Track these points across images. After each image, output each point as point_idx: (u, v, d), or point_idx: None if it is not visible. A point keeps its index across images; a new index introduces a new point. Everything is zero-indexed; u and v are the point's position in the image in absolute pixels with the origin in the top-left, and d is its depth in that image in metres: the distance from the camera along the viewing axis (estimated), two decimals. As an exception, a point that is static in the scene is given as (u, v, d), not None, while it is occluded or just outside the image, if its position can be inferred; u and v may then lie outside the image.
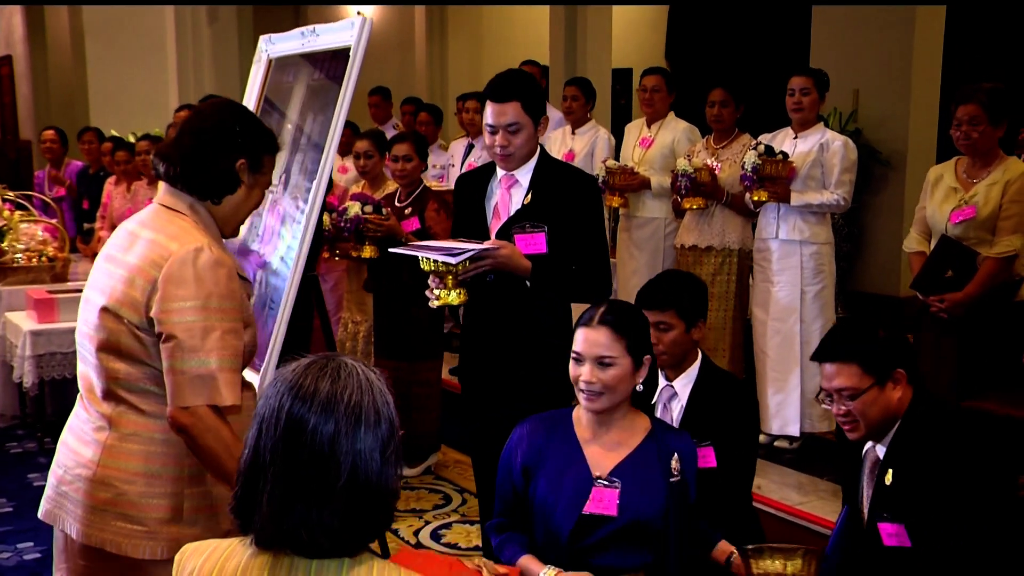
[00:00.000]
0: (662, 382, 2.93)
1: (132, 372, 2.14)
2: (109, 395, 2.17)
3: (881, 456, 2.40)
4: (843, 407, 2.35)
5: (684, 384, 2.87)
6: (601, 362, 2.31)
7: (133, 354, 2.13)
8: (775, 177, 4.38)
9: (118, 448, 2.16)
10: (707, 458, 2.67)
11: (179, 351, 2.07)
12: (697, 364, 2.89)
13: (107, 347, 2.14)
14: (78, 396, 2.32)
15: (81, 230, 7.17)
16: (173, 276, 2.08)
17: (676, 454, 2.40)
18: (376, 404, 1.39)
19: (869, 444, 2.45)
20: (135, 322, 2.11)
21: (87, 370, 2.23)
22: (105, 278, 2.19)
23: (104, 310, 2.14)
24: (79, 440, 2.23)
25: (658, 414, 2.90)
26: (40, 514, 2.31)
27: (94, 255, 6.60)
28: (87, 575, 2.23)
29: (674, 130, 5.24)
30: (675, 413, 2.87)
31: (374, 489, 1.38)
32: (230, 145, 2.22)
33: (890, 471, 2.34)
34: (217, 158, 2.21)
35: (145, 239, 2.17)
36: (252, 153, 2.25)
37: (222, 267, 2.13)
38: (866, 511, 2.42)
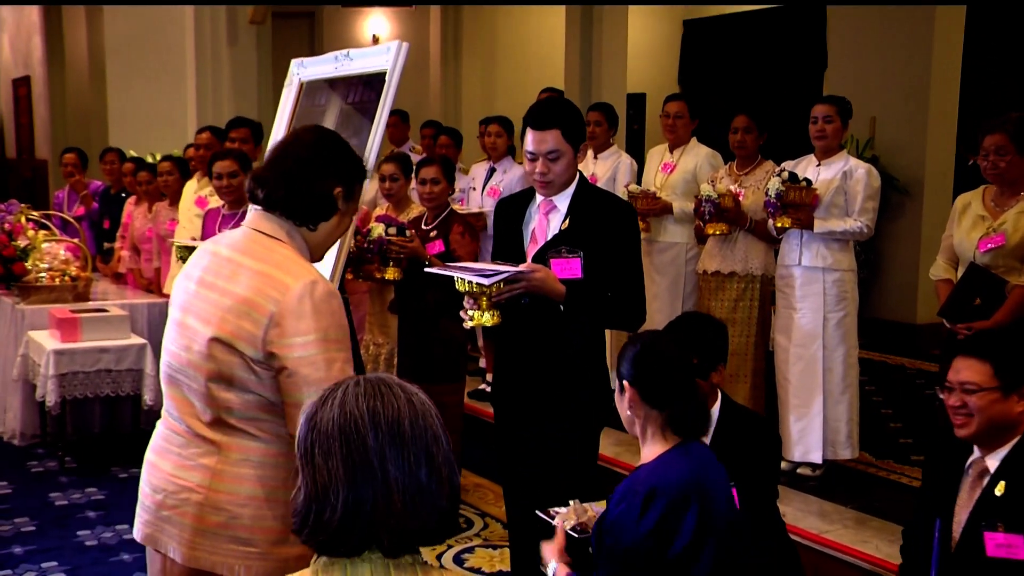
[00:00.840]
0: None
1: (246, 401, 2.16)
2: (218, 423, 2.19)
3: (992, 468, 2.44)
4: (961, 399, 2.39)
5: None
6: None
7: (246, 386, 2.15)
8: (799, 204, 4.39)
9: (228, 473, 2.18)
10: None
11: (304, 384, 2.09)
12: (717, 406, 2.89)
13: (218, 377, 2.15)
14: (163, 416, 2.33)
15: (101, 250, 7.21)
16: (292, 311, 2.10)
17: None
18: (429, 420, 1.45)
19: (977, 455, 2.49)
20: (250, 355, 2.12)
21: (189, 396, 2.23)
22: (207, 305, 2.20)
23: (215, 340, 2.14)
24: (179, 465, 2.24)
25: None
26: (139, 537, 2.34)
27: (114, 275, 6.73)
28: None
29: (696, 156, 5.28)
30: None
31: (439, 491, 1.43)
32: (329, 171, 2.24)
33: (1003, 483, 2.38)
34: (317, 183, 2.23)
35: (252, 269, 2.18)
36: (347, 180, 2.28)
37: (335, 298, 2.17)
38: (963, 521, 2.45)
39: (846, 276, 4.55)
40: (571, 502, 2.45)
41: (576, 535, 2.36)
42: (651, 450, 2.26)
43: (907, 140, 8.02)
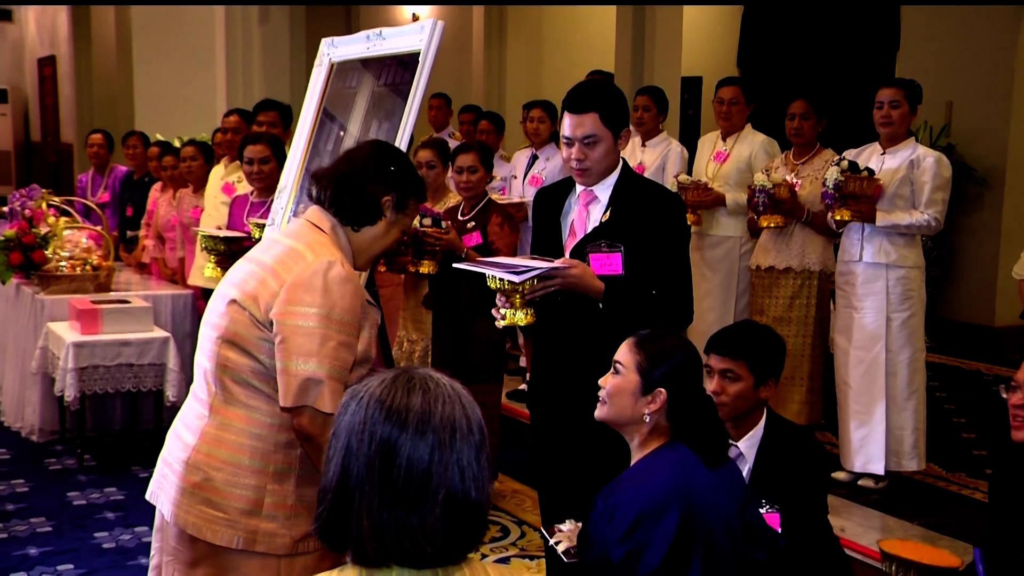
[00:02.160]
0: None
1: (241, 362, 2.37)
2: (216, 382, 2.42)
3: None
4: None
5: (750, 445, 2.85)
6: None
7: (247, 346, 2.37)
8: (859, 195, 4.35)
9: (213, 436, 2.40)
10: (774, 524, 2.66)
11: (295, 354, 2.29)
12: (762, 423, 2.87)
13: (225, 335, 2.39)
14: (190, 387, 2.58)
15: (124, 238, 7.33)
16: (303, 282, 2.33)
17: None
18: (467, 412, 1.45)
19: None
20: (259, 318, 2.35)
21: (202, 358, 2.47)
22: (240, 274, 2.47)
23: (233, 302, 2.39)
24: (185, 427, 2.50)
25: None
26: (147, 495, 2.59)
27: (138, 264, 6.84)
28: (174, 555, 2.47)
29: (751, 143, 5.25)
30: (743, 473, 2.88)
31: (472, 499, 1.43)
32: (381, 178, 2.50)
33: None
34: (366, 186, 2.48)
35: (284, 245, 2.46)
36: (400, 192, 2.51)
37: (350, 283, 2.37)
38: None
39: (912, 273, 4.50)
40: (568, 522, 2.49)
41: (566, 559, 2.41)
42: (639, 456, 2.33)
43: (987, 127, 7.89)
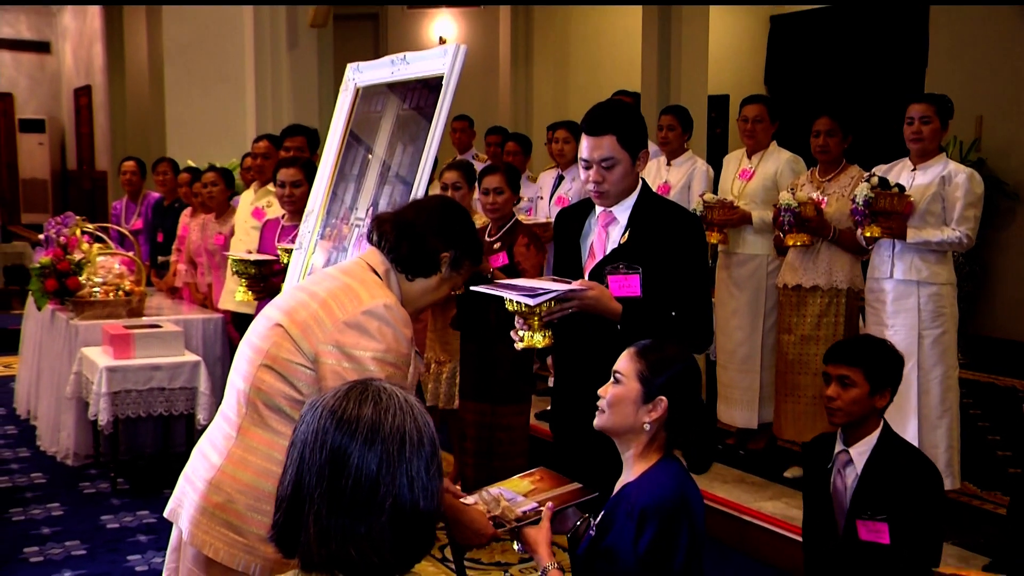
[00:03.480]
0: (839, 446, 3.05)
1: (277, 387, 2.35)
2: (248, 404, 2.39)
3: None
4: None
5: (861, 452, 2.98)
6: None
7: (286, 372, 2.34)
8: (890, 212, 4.31)
9: (240, 457, 2.38)
10: (880, 534, 2.71)
11: None
12: (877, 433, 3.00)
13: (266, 359, 2.37)
14: (220, 407, 2.55)
15: (155, 263, 7.41)
16: (359, 324, 2.32)
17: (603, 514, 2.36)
18: (418, 424, 1.48)
19: None
20: (304, 348, 2.33)
21: (237, 378, 2.46)
22: (290, 300, 2.46)
23: (279, 326, 2.38)
24: (212, 445, 2.48)
25: (831, 479, 3.02)
26: (166, 512, 2.56)
27: (169, 289, 6.91)
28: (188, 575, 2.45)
29: (777, 161, 5.22)
30: (849, 481, 2.99)
31: (420, 509, 1.46)
32: (443, 233, 2.50)
33: None
34: (427, 238, 2.49)
35: (339, 280, 2.45)
36: (460, 249, 2.53)
37: (406, 327, 2.38)
38: None
39: (944, 290, 4.44)
40: (483, 490, 2.53)
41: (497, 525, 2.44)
42: (639, 467, 2.34)
43: (1018, 140, 7.81)
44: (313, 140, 5.63)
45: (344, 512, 1.43)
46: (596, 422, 2.43)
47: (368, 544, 1.43)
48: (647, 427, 2.33)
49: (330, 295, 2.38)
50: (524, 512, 2.46)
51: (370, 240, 2.55)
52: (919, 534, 2.84)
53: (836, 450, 3.06)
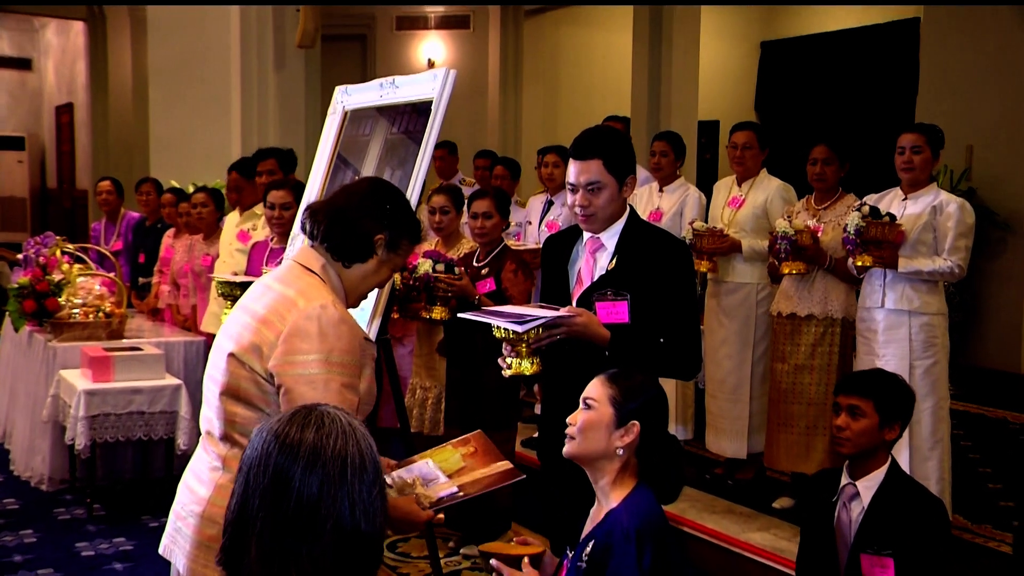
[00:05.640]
0: (844, 478, 3.06)
1: (249, 416, 2.38)
2: (226, 437, 2.42)
3: None
4: None
5: (868, 486, 3.00)
6: None
7: (252, 400, 2.38)
8: (881, 241, 4.34)
9: (227, 488, 2.35)
10: (886, 569, 2.76)
11: (301, 402, 2.23)
12: (885, 468, 3.02)
13: (229, 391, 2.40)
14: (200, 438, 2.57)
15: (136, 284, 7.38)
16: (299, 330, 2.34)
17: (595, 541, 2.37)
18: (360, 448, 1.51)
19: None
20: (259, 370, 2.36)
21: (209, 413, 2.48)
22: (235, 326, 2.47)
23: (231, 356, 2.40)
24: (197, 479, 2.49)
25: (836, 512, 3.03)
26: (160, 549, 2.57)
27: (151, 311, 6.88)
28: None
29: (767, 189, 5.24)
30: (855, 514, 3.00)
31: (362, 531, 1.48)
32: (375, 215, 2.49)
33: None
34: (359, 222, 2.48)
35: (275, 291, 2.45)
36: (393, 231, 2.51)
37: (345, 324, 2.38)
38: None
39: (935, 320, 4.47)
40: (402, 469, 2.58)
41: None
42: (617, 494, 2.37)
43: (1009, 170, 7.88)
44: (285, 160, 5.65)
45: (286, 534, 1.45)
46: (566, 450, 2.46)
47: (310, 566, 1.45)
48: (620, 452, 2.37)
49: (268, 310, 2.40)
50: (441, 497, 2.50)
51: (304, 231, 2.56)
52: (925, 573, 2.85)
53: (842, 483, 3.07)
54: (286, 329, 2.34)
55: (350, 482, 1.47)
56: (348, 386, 2.35)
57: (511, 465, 2.65)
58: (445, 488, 2.52)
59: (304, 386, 2.30)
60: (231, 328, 2.48)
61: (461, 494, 2.51)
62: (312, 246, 2.52)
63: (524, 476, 2.61)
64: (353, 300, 2.55)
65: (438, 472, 2.58)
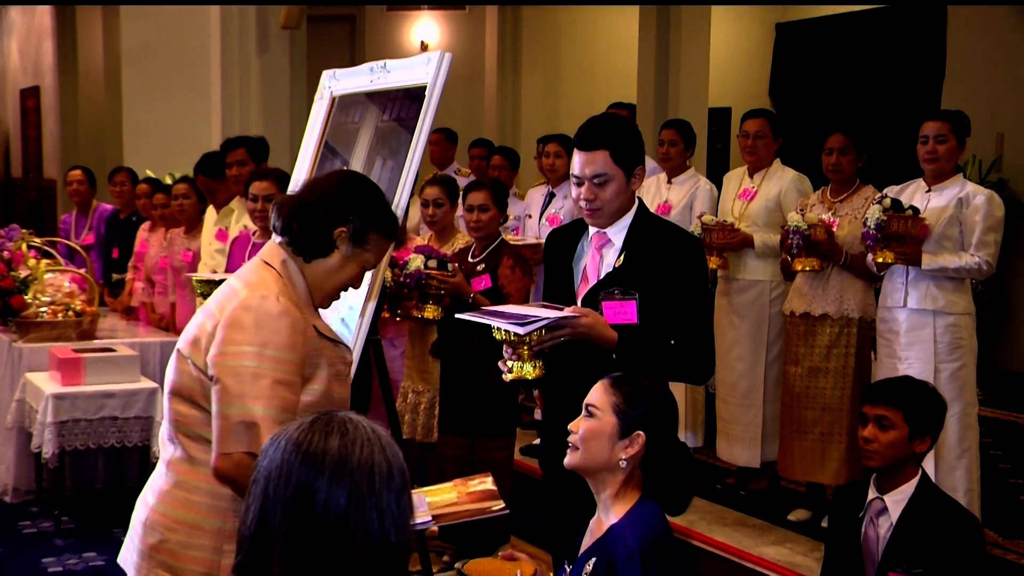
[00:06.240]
0: (872, 493, 3.06)
1: (191, 415, 2.41)
2: (172, 439, 2.47)
3: None
4: None
5: (897, 501, 3.00)
6: None
7: (194, 397, 2.41)
8: (903, 236, 4.35)
9: (168, 494, 2.43)
10: None
11: (227, 395, 2.30)
12: (915, 482, 3.02)
13: (175, 389, 2.44)
14: None
15: (109, 281, 7.37)
16: (234, 320, 2.35)
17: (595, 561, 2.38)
18: (387, 455, 1.50)
19: None
20: (199, 365, 2.39)
21: (165, 416, 2.53)
22: (190, 324, 2.51)
23: (178, 352, 2.45)
24: (150, 487, 2.55)
25: (863, 528, 3.04)
26: (119, 558, 2.60)
27: (125, 309, 6.87)
28: None
29: (780, 180, 5.25)
30: (883, 530, 2.99)
31: (392, 543, 1.48)
32: (337, 209, 2.46)
33: None
34: (317, 215, 2.45)
35: (228, 286, 2.49)
36: (358, 224, 2.48)
37: (286, 317, 2.36)
38: None
39: (962, 320, 4.48)
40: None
41: None
42: (620, 507, 2.37)
43: (1041, 161, 7.89)
44: (255, 149, 5.61)
45: (312, 550, 1.44)
46: (567, 460, 2.46)
47: None
48: (623, 464, 2.36)
49: (216, 304, 2.44)
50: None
51: (271, 228, 2.58)
52: None
53: (869, 497, 3.08)
54: (223, 319, 2.35)
55: (378, 492, 1.47)
56: (283, 383, 2.32)
57: (502, 504, 2.66)
58: (420, 517, 2.52)
59: (232, 378, 2.29)
60: (187, 327, 2.52)
61: (433, 525, 2.53)
62: (279, 242, 2.53)
63: (507, 512, 2.64)
64: (320, 299, 2.54)
65: (424, 504, 2.60)
